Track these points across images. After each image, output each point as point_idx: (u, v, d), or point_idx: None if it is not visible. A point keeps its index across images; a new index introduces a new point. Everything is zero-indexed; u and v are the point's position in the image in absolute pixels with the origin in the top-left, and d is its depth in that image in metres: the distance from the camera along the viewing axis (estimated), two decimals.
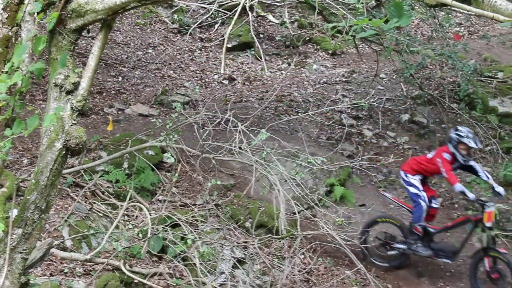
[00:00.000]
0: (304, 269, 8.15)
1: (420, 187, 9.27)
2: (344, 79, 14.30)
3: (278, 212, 8.46)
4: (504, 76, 14.66)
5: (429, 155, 9.42)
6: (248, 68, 14.87)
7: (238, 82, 14.21)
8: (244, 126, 9.23)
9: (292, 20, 16.59)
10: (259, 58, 14.91)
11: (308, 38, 16.41)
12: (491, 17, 4.42)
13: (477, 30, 17.66)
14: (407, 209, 9.61)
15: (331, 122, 12.04)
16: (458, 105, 13.15)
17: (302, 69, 15.18)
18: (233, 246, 8.15)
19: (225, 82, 14.18)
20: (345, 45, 16.09)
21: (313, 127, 12.00)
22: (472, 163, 9.25)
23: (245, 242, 8.35)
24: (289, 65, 14.89)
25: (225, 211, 9.00)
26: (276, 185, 8.56)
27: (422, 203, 9.16)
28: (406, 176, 9.37)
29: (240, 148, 8.99)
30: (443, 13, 14.45)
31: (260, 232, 8.85)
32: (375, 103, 11.90)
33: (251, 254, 8.19)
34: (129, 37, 15.23)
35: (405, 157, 11.78)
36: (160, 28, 15.85)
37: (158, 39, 15.40)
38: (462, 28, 17.52)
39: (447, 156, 8.99)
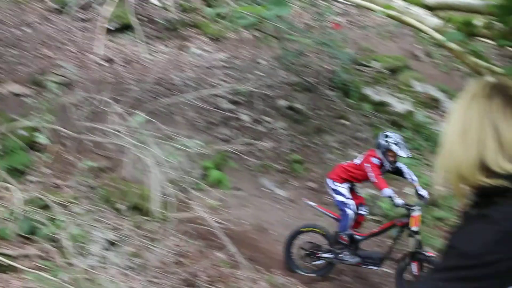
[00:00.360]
0: (177, 251, 8.20)
1: (348, 195, 9.15)
2: (224, 64, 14.39)
3: (152, 195, 8.46)
4: (379, 66, 15.19)
5: (357, 161, 9.28)
6: (128, 50, 14.70)
7: (117, 64, 14.03)
8: (122, 108, 9.16)
9: (175, 4, 16.51)
10: (139, 41, 14.77)
11: (190, 23, 16.39)
12: (367, 7, 4.60)
13: (356, 21, 18.15)
14: (333, 217, 9.40)
15: (209, 106, 12.11)
16: (334, 93, 13.52)
17: (182, 53, 15.15)
18: (105, 228, 8.10)
19: (104, 63, 13.97)
20: (226, 31, 16.18)
21: (191, 110, 12.02)
22: (399, 165, 9.20)
23: (117, 224, 8.31)
24: (170, 48, 14.83)
25: (98, 193, 8.92)
26: (151, 167, 8.56)
27: (349, 212, 9.02)
28: (334, 184, 9.22)
29: (116, 130, 8.92)
30: (324, 3, 14.78)
31: (134, 214, 8.82)
32: (253, 89, 12.08)
33: (124, 236, 8.17)
34: (5, 14, 14.75)
35: (280, 142, 12.04)
36: (38, 6, 15.42)
37: (36, 17, 14.98)
38: (341, 18, 17.96)
39: (375, 161, 8.91)
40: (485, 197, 2.04)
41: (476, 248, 1.91)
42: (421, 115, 13.53)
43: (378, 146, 9.00)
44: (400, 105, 13.87)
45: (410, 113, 13.60)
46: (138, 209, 8.95)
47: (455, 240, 2.01)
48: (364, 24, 16.87)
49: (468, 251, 1.92)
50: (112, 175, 9.47)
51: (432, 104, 14.22)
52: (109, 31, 14.26)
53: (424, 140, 12.74)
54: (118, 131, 8.93)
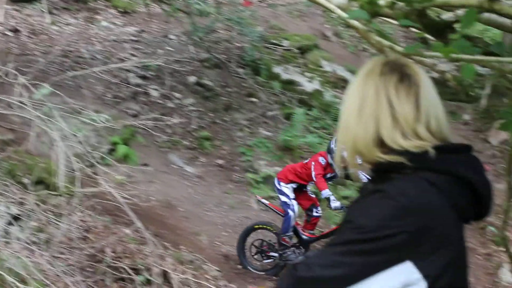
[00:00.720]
0: (82, 226, 8.06)
1: (291, 195, 9.02)
2: (133, 38, 14.18)
3: (58, 169, 8.27)
4: (289, 44, 15.30)
5: (306, 161, 9.14)
6: (34, 21, 14.27)
7: (23, 35, 13.61)
8: (27, 79, 8.89)
9: None
10: (46, 11, 14.36)
11: None
12: None
13: None
14: (281, 215, 9.21)
15: (118, 80, 11.93)
16: (244, 70, 13.55)
17: (91, 25, 14.83)
18: (9, 202, 7.88)
19: (9, 33, 13.52)
20: (136, 4, 15.94)
21: (99, 84, 11.81)
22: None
23: (22, 199, 8.09)
24: (78, 20, 14.50)
25: (2, 166, 8.66)
26: (56, 141, 8.37)
27: (291, 213, 8.92)
28: (279, 184, 9.08)
29: (20, 102, 8.66)
30: None
31: (39, 189, 8.60)
32: (163, 64, 11.96)
33: (28, 210, 7.97)
34: None
35: (189, 118, 11.97)
36: None
37: None
38: None
39: (322, 160, 8.75)
40: (382, 173, 2.07)
41: (372, 222, 1.92)
42: (329, 94, 13.73)
43: (329, 151, 8.74)
44: (308, 84, 14.03)
45: (318, 92, 13.77)
46: (44, 183, 8.73)
47: (352, 214, 2.02)
48: (274, 2, 16.93)
49: (365, 225, 1.93)
50: (17, 148, 9.20)
51: (340, 84, 14.43)
52: (14, 0, 13.82)
53: (332, 120, 12.93)
54: (23, 103, 8.68)
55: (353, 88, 2.16)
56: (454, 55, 1.86)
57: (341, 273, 1.94)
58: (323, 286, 1.98)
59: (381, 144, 2.06)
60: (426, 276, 1.94)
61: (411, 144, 2.02)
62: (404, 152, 2.01)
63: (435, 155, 2.00)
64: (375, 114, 2.06)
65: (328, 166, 8.73)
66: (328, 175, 8.81)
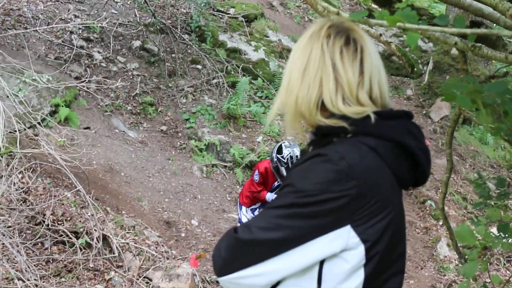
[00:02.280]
0: (22, 188, 7.96)
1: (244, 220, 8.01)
2: None
3: None
4: (235, 13, 15.23)
5: (255, 177, 7.95)
6: None
7: None
8: None
9: None
10: None
11: None
12: None
13: None
14: None
15: (61, 41, 11.73)
16: (190, 36, 13.45)
17: None
18: None
19: None
20: None
21: (42, 45, 11.58)
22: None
23: None
24: None
25: None
26: None
27: None
28: (241, 208, 8.22)
29: None
30: None
31: None
32: (107, 26, 11.80)
33: None
34: None
35: (133, 83, 11.86)
36: None
37: None
38: None
39: (256, 177, 7.86)
40: (323, 137, 2.08)
41: (312, 186, 1.92)
42: (274, 64, 13.72)
43: (271, 159, 7.78)
44: (253, 53, 14.00)
45: (263, 61, 13.77)
46: None
47: (292, 178, 2.00)
48: None
49: (305, 188, 1.93)
50: None
51: (285, 54, 14.44)
52: None
53: (276, 89, 12.95)
54: None
55: (298, 49, 2.14)
56: (399, 24, 1.88)
57: (281, 236, 1.95)
58: (262, 249, 1.98)
59: (323, 107, 2.06)
60: (364, 240, 1.96)
61: (351, 110, 2.02)
62: (345, 117, 2.01)
63: (376, 121, 2.01)
64: (318, 76, 2.05)
65: (272, 175, 7.88)
66: (276, 184, 7.96)
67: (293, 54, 2.16)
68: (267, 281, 2.01)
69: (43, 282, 6.85)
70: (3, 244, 7.05)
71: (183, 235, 9.28)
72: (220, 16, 14.93)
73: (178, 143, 11.14)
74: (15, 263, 6.86)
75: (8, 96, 8.65)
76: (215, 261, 2.08)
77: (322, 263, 1.99)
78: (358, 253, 1.97)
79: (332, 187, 1.91)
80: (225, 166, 11.05)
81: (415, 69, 14.86)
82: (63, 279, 7.10)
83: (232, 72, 13.16)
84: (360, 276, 2.00)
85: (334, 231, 1.94)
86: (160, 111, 11.55)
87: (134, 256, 7.79)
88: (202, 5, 13.50)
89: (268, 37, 14.99)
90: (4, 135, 7.98)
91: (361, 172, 1.94)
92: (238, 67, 13.32)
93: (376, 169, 1.98)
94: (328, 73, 2.04)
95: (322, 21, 2.18)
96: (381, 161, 2.00)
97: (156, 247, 8.24)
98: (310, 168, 1.97)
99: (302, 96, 2.07)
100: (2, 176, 7.75)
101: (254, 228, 2.00)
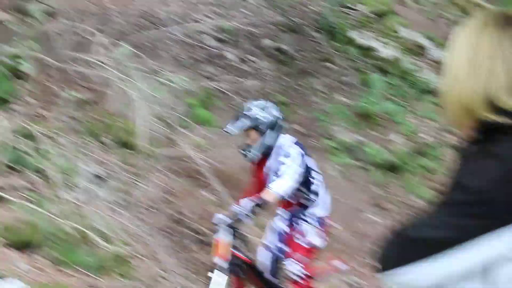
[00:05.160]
0: (163, 188, 8.06)
1: None
2: (210, 0, 14.04)
3: (137, 129, 8.28)
4: (365, 9, 15.00)
5: None
6: None
7: None
8: (106, 38, 8.90)
9: None
10: None
11: None
12: None
13: None
14: None
15: (194, 42, 11.85)
16: (319, 35, 13.33)
17: None
18: (91, 161, 7.92)
19: None
20: None
21: (176, 46, 11.73)
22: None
23: (103, 158, 8.13)
24: None
25: (83, 125, 8.68)
26: (136, 101, 8.37)
27: None
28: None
29: (100, 61, 8.68)
30: None
31: (118, 148, 8.63)
32: (239, 25, 11.84)
33: (110, 170, 8.00)
34: None
35: (265, 82, 11.84)
36: None
37: None
38: None
39: None
40: (488, 134, 1.92)
41: (482, 184, 1.81)
42: (407, 61, 13.40)
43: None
44: (385, 50, 13.71)
45: (396, 59, 13.46)
46: (123, 143, 8.74)
47: (460, 177, 1.89)
48: None
49: (475, 186, 1.82)
50: (97, 108, 9.22)
51: (417, 51, 14.06)
52: None
53: (410, 88, 12.65)
54: (103, 63, 8.69)
55: (464, 39, 1.98)
56: None
57: (448, 235, 1.83)
58: (429, 248, 1.86)
59: (491, 103, 1.89)
60: None
61: None
62: None
63: None
64: (489, 70, 1.90)
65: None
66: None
67: (457, 43, 2.01)
68: (428, 283, 1.89)
69: (187, 281, 6.89)
70: (145, 243, 7.15)
71: None
72: (349, 13, 14.71)
73: (312, 142, 11.00)
74: (159, 262, 6.94)
75: (146, 97, 8.77)
76: (378, 257, 1.97)
77: (495, 266, 1.84)
78: None
79: (502, 186, 1.79)
80: (361, 166, 10.83)
81: None
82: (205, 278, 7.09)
83: (363, 70, 12.92)
84: None
85: (501, 231, 1.80)
86: (293, 110, 11.45)
87: None
88: (332, 2, 13.35)
89: (399, 33, 14.64)
90: (145, 135, 8.11)
91: None
92: (369, 64, 13.07)
93: None
94: (499, 66, 1.89)
95: (488, 11, 2.03)
96: None
97: None
98: (477, 167, 1.85)
99: (468, 89, 1.93)
100: (144, 176, 7.88)
101: (423, 226, 1.90)
